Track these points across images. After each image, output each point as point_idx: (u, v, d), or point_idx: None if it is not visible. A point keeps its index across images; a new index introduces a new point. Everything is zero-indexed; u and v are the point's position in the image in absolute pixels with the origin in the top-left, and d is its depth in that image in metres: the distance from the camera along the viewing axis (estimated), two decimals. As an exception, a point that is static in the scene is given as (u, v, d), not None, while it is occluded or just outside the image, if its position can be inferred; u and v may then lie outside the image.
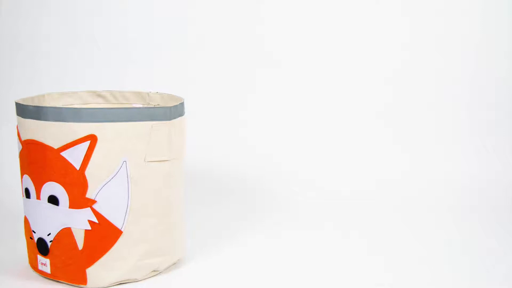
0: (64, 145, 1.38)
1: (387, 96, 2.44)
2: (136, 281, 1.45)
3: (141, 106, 1.73)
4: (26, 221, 1.50)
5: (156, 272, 1.48)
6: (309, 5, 2.44)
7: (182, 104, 1.50)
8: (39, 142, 1.39)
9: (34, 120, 1.39)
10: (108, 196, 1.37)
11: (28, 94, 2.02)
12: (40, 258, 1.46)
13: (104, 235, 1.39)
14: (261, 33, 2.43)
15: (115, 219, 1.38)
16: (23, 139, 1.47)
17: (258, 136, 2.38)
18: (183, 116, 1.53)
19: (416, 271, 1.55)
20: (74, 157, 1.35)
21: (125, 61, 2.42)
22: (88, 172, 1.36)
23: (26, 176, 1.46)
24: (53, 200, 1.39)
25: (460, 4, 2.41)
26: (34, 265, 1.49)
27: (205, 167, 2.30)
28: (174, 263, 1.54)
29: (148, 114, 1.39)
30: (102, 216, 1.38)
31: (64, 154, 1.38)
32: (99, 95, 1.74)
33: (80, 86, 1.86)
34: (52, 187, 1.39)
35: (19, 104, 1.48)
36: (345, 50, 2.44)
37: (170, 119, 1.43)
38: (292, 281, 1.49)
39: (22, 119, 1.44)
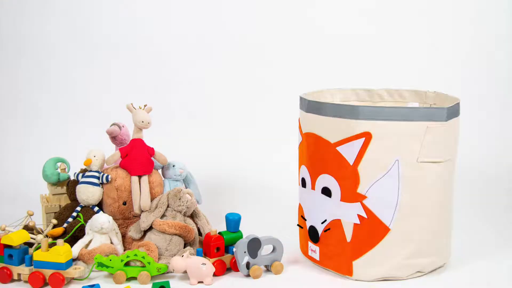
0: (340, 140, 1.39)
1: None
2: (399, 279, 1.45)
3: (417, 105, 1.69)
4: (300, 208, 1.57)
5: (420, 274, 1.47)
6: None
7: (458, 104, 1.46)
8: (317, 135, 1.44)
9: (315, 115, 1.45)
10: (379, 193, 1.39)
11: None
12: (311, 245, 1.53)
13: (371, 230, 1.41)
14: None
15: (383, 216, 1.40)
16: (304, 132, 1.51)
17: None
18: (458, 117, 1.46)
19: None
20: (349, 152, 1.38)
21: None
22: (360, 168, 1.38)
23: (303, 167, 1.52)
24: (326, 191, 1.45)
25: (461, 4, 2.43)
26: (304, 250, 1.57)
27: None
28: (440, 267, 1.52)
29: (424, 114, 1.37)
30: (371, 211, 1.40)
31: (339, 149, 1.40)
32: (376, 93, 1.72)
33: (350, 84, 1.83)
34: (326, 179, 1.44)
35: (303, 98, 1.52)
36: (345, 51, 2.44)
37: (446, 120, 1.40)
38: None
39: (304, 112, 1.50)
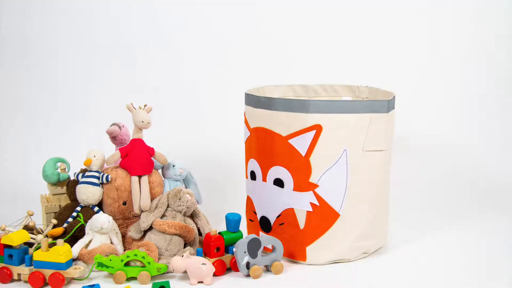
0: (292, 133, 1.48)
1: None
2: (348, 261, 1.56)
3: (350, 99, 1.81)
4: (249, 200, 1.65)
5: (365, 254, 1.59)
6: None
7: (394, 97, 1.57)
8: (268, 130, 1.52)
9: (265, 110, 1.52)
10: (329, 181, 1.48)
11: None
12: (262, 234, 1.60)
13: (323, 217, 1.51)
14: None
15: (334, 203, 1.50)
16: (252, 126, 1.58)
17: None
18: (394, 109, 1.58)
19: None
20: (301, 144, 1.47)
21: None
22: (312, 159, 1.47)
23: (252, 160, 1.59)
24: (278, 182, 1.52)
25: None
26: None
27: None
28: (381, 247, 1.64)
29: (368, 107, 1.48)
30: (323, 199, 1.49)
31: (292, 141, 1.48)
32: (311, 88, 1.83)
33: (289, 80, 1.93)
34: (278, 171, 1.52)
35: (251, 95, 1.60)
36: (347, 56, 2.44)
37: (387, 112, 1.51)
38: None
39: (253, 108, 1.57)
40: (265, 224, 1.58)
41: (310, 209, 1.50)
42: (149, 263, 1.45)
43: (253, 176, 1.61)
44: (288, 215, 1.53)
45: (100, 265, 1.45)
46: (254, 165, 1.59)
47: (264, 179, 1.56)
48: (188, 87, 2.43)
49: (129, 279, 1.47)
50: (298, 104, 1.46)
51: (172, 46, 2.44)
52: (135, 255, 1.45)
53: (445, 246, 1.70)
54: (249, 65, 2.41)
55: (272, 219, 1.56)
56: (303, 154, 1.47)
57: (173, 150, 1.85)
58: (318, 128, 1.45)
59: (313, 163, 1.47)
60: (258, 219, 1.60)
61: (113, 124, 1.76)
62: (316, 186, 1.49)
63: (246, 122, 1.62)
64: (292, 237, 1.53)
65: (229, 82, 2.40)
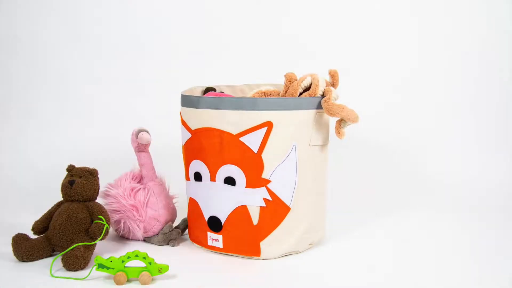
0: (243, 131, 1.51)
1: (394, 99, 2.45)
2: (298, 253, 1.62)
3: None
4: (192, 202, 1.64)
5: (312, 245, 1.66)
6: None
7: None
8: (216, 129, 1.53)
9: (213, 110, 1.53)
10: (281, 176, 1.53)
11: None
12: (211, 234, 1.61)
13: (276, 211, 1.55)
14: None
15: (285, 197, 1.55)
16: (193, 128, 1.58)
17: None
18: None
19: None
20: (253, 142, 1.51)
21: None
22: (264, 155, 1.51)
23: (197, 161, 1.60)
24: (229, 181, 1.54)
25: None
26: (201, 242, 1.64)
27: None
28: (322, 237, 1.71)
29: (313, 103, 1.55)
30: (275, 194, 1.54)
31: (243, 139, 1.51)
32: (238, 88, 1.87)
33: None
34: (229, 170, 1.54)
35: (190, 96, 1.59)
36: (348, 59, 2.43)
37: None
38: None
39: (194, 109, 1.57)
40: (214, 224, 1.59)
41: (263, 205, 1.53)
42: (150, 263, 1.43)
43: (197, 177, 1.60)
44: (240, 212, 1.55)
45: (101, 266, 1.42)
46: (199, 166, 1.59)
47: (213, 179, 1.57)
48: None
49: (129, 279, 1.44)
50: (248, 102, 1.50)
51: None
52: (136, 255, 1.42)
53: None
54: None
55: (223, 218, 1.57)
56: (255, 151, 1.51)
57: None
58: (269, 125, 1.49)
59: (265, 159, 1.51)
60: (206, 220, 1.60)
61: (142, 131, 1.70)
62: (268, 181, 1.52)
63: (184, 124, 1.61)
64: (245, 233, 1.55)
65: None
